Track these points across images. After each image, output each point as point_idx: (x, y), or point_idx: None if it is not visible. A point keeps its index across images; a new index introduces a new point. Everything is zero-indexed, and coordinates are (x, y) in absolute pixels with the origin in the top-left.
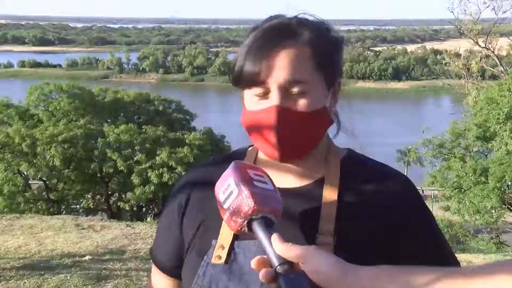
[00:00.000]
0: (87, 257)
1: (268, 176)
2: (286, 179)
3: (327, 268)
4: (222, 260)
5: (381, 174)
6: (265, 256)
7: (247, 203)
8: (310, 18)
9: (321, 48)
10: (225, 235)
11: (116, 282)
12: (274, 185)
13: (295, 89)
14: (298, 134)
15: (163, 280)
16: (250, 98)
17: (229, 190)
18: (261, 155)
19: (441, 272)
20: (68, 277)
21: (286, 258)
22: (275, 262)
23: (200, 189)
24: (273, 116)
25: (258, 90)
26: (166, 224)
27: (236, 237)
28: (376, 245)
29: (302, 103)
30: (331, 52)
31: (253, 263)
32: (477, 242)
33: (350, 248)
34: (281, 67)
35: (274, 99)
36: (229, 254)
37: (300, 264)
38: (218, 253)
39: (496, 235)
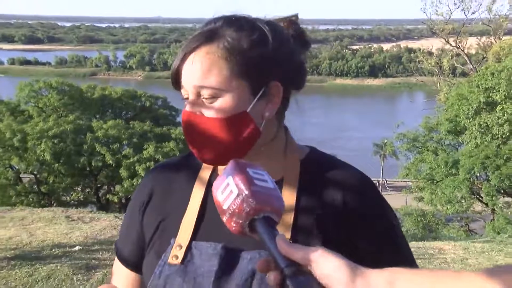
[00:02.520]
0: (76, 248)
1: (268, 174)
2: None
3: (335, 272)
4: (179, 260)
5: (340, 173)
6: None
7: (248, 203)
8: (241, 18)
9: (242, 51)
10: (184, 234)
11: (105, 272)
12: (274, 183)
13: (205, 95)
14: (208, 139)
15: (125, 271)
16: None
17: (228, 189)
18: None
19: (464, 274)
20: (59, 267)
21: (292, 260)
22: (281, 264)
23: (161, 187)
24: (184, 121)
25: (182, 92)
26: (128, 220)
27: (194, 237)
28: (335, 243)
29: (211, 109)
30: (254, 55)
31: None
32: (448, 230)
33: None
34: (192, 71)
35: (188, 103)
36: (185, 254)
37: (307, 266)
38: (175, 253)
39: (466, 223)
